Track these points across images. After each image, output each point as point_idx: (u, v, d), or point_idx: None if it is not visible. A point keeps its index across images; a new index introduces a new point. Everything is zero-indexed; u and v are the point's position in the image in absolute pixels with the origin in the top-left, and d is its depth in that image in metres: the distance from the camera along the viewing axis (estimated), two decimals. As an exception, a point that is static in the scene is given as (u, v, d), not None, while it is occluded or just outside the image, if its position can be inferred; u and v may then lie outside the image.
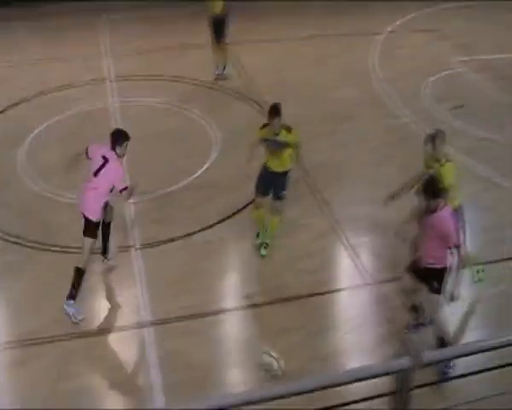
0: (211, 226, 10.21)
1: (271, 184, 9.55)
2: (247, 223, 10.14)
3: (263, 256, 9.64)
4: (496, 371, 5.79)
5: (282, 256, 9.63)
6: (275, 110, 9.13)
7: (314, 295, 8.88)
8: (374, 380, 4.37)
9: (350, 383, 4.27)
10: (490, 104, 14.27)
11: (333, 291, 9.10)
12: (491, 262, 9.44)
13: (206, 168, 11.71)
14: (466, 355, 4.85)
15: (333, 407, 3.72)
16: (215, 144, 12.44)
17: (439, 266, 7.38)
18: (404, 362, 3.79)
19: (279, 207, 9.67)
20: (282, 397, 3.93)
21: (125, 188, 8.37)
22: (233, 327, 8.67)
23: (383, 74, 15.52)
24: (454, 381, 7.43)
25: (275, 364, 7.11)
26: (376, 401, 6.81)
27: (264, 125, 9.31)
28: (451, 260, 7.41)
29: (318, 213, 10.55)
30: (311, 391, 4.05)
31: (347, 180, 11.42)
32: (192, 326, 8.38)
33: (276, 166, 9.44)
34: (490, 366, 5.62)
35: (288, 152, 9.37)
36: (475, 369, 6.76)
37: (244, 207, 10.54)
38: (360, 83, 15.07)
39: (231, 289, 9.32)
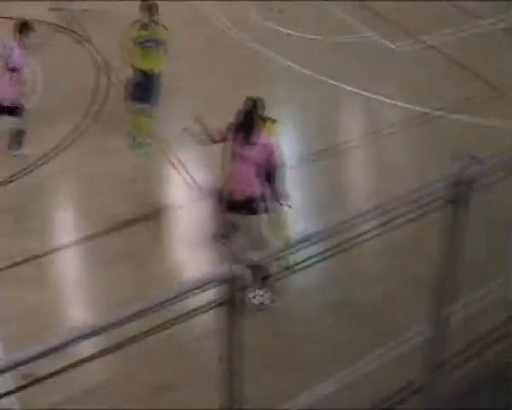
0: (45, 160, 9.69)
1: (144, 87, 9.71)
2: (80, 153, 9.80)
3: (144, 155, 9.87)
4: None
5: (111, 184, 9.29)
6: (148, 7, 9.55)
7: (146, 218, 8.68)
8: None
9: (188, 293, 4.13)
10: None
11: (164, 210, 8.91)
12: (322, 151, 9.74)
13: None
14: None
15: (174, 318, 3.55)
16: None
17: (257, 194, 7.27)
18: (237, 268, 3.68)
19: (150, 109, 9.96)
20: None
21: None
22: (66, 266, 8.29)
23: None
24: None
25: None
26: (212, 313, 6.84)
27: (135, 24, 9.64)
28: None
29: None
30: (153, 311, 3.85)
31: (172, 98, 11.13)
32: (26, 271, 7.90)
33: (150, 65, 9.64)
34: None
35: (160, 51, 9.67)
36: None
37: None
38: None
39: (62, 224, 8.87)
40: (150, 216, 8.76)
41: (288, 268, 7.50)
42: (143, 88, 9.74)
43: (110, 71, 11.73)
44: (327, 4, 14.32)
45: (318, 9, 14.24)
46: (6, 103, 9.36)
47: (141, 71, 9.71)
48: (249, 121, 7.18)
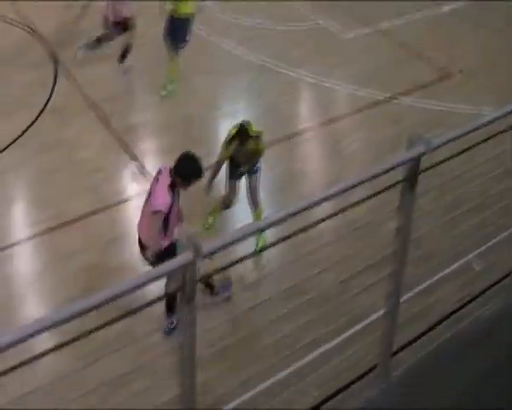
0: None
1: (177, 30, 10.61)
2: (33, 147, 9.63)
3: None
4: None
5: (65, 177, 9.16)
6: None
7: (102, 211, 8.58)
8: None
9: (144, 285, 4.09)
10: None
11: (119, 203, 8.81)
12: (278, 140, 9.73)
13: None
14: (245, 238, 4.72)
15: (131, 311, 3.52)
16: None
17: None
18: (187, 256, 3.64)
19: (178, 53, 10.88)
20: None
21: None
22: (23, 259, 8.16)
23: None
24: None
25: None
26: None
27: None
28: None
29: (99, 128, 10.15)
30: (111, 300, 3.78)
31: (125, 91, 11.07)
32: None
33: (185, 9, 10.48)
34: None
35: None
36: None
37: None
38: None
39: (16, 220, 8.78)
40: (107, 208, 8.65)
41: (257, 252, 7.52)
42: (175, 31, 10.66)
43: (58, 63, 11.57)
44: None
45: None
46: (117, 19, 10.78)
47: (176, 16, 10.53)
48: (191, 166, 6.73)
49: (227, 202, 8.32)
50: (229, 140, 7.89)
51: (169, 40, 10.71)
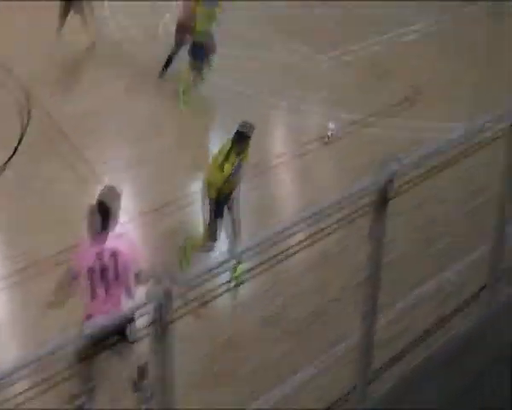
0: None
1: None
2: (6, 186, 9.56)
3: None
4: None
5: (41, 214, 9.07)
6: None
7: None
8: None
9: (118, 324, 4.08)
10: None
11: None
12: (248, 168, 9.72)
13: None
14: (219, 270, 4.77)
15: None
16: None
17: None
18: (160, 290, 3.67)
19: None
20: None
21: None
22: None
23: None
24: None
25: None
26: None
27: None
28: None
29: (76, 164, 10.16)
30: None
31: (100, 125, 11.08)
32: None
33: (207, 26, 11.17)
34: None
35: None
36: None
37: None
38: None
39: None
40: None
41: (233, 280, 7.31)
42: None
43: (30, 102, 11.53)
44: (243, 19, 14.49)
45: (236, 24, 14.35)
46: None
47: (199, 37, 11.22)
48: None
49: (210, 246, 7.57)
50: (228, 152, 7.37)
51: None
